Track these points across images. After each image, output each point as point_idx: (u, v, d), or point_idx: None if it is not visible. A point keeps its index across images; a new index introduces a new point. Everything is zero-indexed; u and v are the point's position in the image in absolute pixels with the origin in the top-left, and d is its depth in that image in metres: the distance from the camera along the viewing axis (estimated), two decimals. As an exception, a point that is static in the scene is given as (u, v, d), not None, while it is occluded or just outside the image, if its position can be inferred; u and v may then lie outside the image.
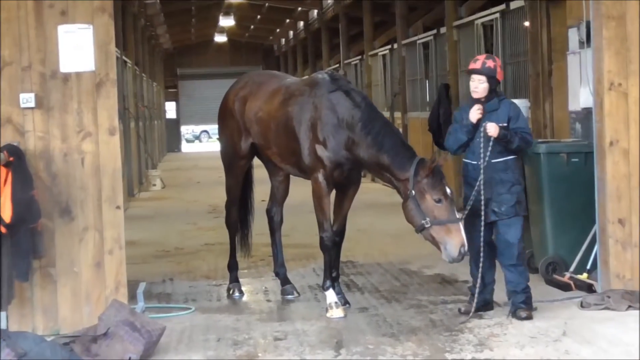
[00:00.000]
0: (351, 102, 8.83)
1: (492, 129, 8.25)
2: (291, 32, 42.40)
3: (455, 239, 8.23)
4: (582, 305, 8.61)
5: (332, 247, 9.05)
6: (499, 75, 8.42)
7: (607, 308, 8.41)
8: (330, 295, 8.90)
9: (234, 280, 10.12)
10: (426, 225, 8.32)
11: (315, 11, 34.29)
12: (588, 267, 9.35)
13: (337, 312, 8.74)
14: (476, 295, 8.43)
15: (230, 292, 9.98)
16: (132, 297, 8.63)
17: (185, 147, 53.44)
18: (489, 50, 15.00)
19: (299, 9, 35.79)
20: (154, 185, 24.30)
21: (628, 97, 8.87)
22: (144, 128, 27.17)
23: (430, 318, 8.59)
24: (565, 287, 9.33)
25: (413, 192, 8.40)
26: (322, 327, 8.49)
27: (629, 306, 8.46)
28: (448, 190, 8.36)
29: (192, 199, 21.18)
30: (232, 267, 10.23)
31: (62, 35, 8.26)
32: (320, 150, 8.86)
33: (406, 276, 10.78)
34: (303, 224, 15.68)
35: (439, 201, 8.33)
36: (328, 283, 8.97)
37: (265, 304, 9.64)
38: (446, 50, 17.06)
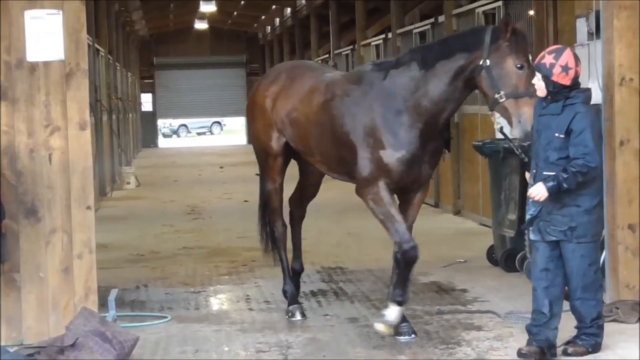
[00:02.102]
0: (404, 69, 8.29)
1: (538, 194, 7.34)
2: (277, 20, 42.43)
3: (531, 111, 7.73)
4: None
5: (416, 257, 8.27)
6: (557, 78, 7.39)
7: (615, 320, 8.41)
8: (394, 313, 8.23)
9: (294, 301, 9.38)
10: (500, 100, 7.85)
11: (304, -4, 34.30)
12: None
13: (386, 329, 8.20)
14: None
15: (289, 315, 9.22)
16: (103, 304, 8.61)
17: (162, 142, 53.41)
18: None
19: (286, -6, 35.82)
20: (128, 183, 24.27)
21: (640, 93, 8.90)
22: (118, 122, 27.15)
23: (425, 329, 8.58)
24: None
25: (487, 61, 7.90)
26: (308, 338, 8.48)
27: (640, 318, 8.49)
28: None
29: (169, 199, 21.16)
30: (289, 289, 9.46)
31: (29, 22, 8.22)
32: (387, 156, 8.23)
33: (399, 284, 10.77)
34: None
35: (520, 67, 7.83)
36: (400, 298, 8.25)
37: (247, 313, 9.63)
38: (445, 41, 17.05)
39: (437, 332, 8.49)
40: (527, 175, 7.75)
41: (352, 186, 9.44)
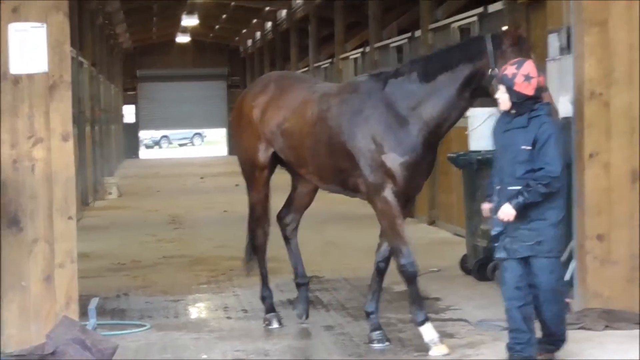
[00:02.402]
0: (404, 79, 8.22)
1: (507, 215, 7.24)
2: (258, 33, 42.43)
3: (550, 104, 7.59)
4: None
5: (415, 274, 8.22)
6: (520, 87, 7.29)
7: (582, 328, 8.46)
8: (429, 331, 8.11)
9: (271, 309, 9.39)
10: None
11: (284, 11, 34.34)
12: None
13: (442, 349, 7.98)
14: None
15: (267, 323, 9.25)
16: (84, 313, 8.59)
17: (144, 153, 53.35)
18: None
19: (267, 8, 35.84)
20: (110, 193, 24.23)
21: (610, 107, 8.95)
22: (100, 133, 27.10)
23: (399, 337, 8.61)
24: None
25: (496, 69, 7.75)
26: (285, 346, 8.50)
27: (606, 326, 8.53)
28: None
29: (151, 209, 21.15)
30: (267, 296, 9.44)
31: (13, 34, 8.21)
32: (390, 160, 8.13)
33: (375, 293, 10.80)
34: (238, 237, 15.61)
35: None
36: (422, 316, 8.15)
37: (225, 322, 9.63)
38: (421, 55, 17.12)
39: (410, 340, 8.51)
40: (486, 205, 7.61)
41: (333, 197, 9.48)
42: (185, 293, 11.14)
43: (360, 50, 22.95)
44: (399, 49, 19.27)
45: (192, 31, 42.97)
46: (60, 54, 8.30)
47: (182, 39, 45.32)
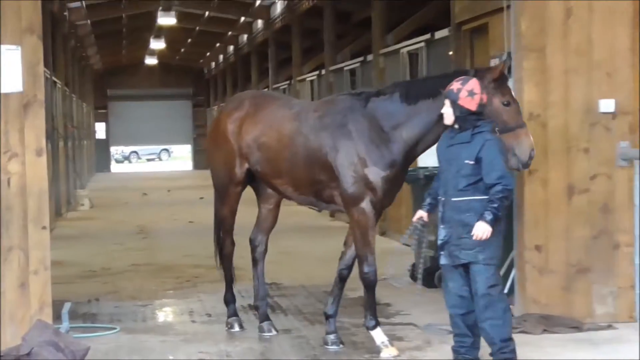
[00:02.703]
0: (385, 99, 8.15)
1: (484, 233, 7.17)
2: (221, 56, 42.40)
3: (525, 143, 7.67)
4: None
5: (375, 282, 8.22)
6: (463, 102, 7.32)
7: (523, 331, 8.51)
8: (380, 335, 8.16)
9: (233, 314, 9.34)
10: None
11: (245, 36, 34.36)
12: (506, 291, 9.45)
13: (392, 351, 8.01)
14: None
15: (229, 327, 9.23)
16: (57, 317, 8.53)
17: (114, 167, 53.07)
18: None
19: (230, 33, 35.84)
20: (82, 205, 24.07)
21: (547, 127, 9.03)
22: (73, 148, 26.92)
23: (352, 340, 8.61)
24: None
25: None
26: (245, 348, 8.47)
27: (544, 330, 8.59)
28: (514, 94, 7.80)
29: (120, 219, 21.02)
30: (230, 301, 9.36)
31: (-10, 56, 8.14)
32: (372, 173, 8.05)
33: (330, 299, 10.79)
34: (202, 246, 15.57)
35: (507, 104, 7.68)
36: (374, 322, 8.20)
37: (190, 325, 9.58)
38: (373, 77, 17.19)
39: (362, 343, 8.51)
40: (419, 214, 7.68)
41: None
42: (153, 298, 11.08)
43: (316, 72, 22.98)
44: (352, 72, 19.31)
45: (159, 54, 42.84)
46: (34, 75, 8.23)
47: (150, 61, 45.15)
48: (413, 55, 15.32)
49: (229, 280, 9.44)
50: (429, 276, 11.08)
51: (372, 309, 8.22)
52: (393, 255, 13.95)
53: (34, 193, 8.21)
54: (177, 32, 35.76)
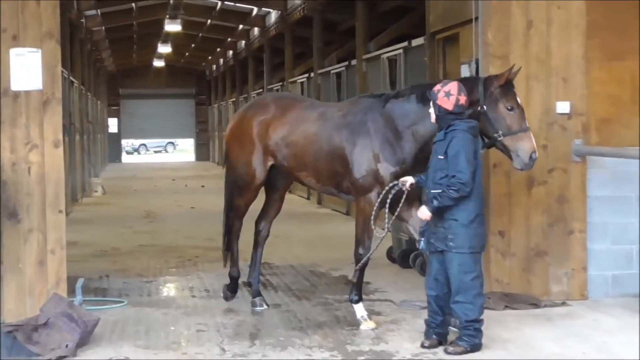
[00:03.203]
0: (403, 100, 7.98)
1: (423, 215, 7.26)
2: (221, 60, 42.29)
3: (527, 145, 7.52)
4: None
5: (366, 263, 8.16)
6: (441, 102, 7.23)
7: (487, 307, 8.49)
8: (360, 309, 8.17)
9: (235, 288, 9.35)
10: (498, 138, 7.59)
11: (243, 42, 34.27)
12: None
13: (370, 324, 8.03)
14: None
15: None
16: (72, 291, 8.50)
17: (125, 158, 52.94)
18: (393, 82, 15.14)
19: (229, 39, 35.74)
20: (96, 191, 23.99)
21: (510, 126, 9.01)
22: (88, 141, 26.82)
23: (335, 314, 8.61)
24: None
25: (484, 107, 7.58)
26: (240, 320, 8.46)
27: (506, 306, 8.60)
28: (519, 100, 7.67)
29: (130, 205, 20.96)
30: (235, 275, 9.34)
31: (14, 57, 8.12)
32: (383, 169, 7.93)
33: (315, 277, 10.81)
34: (202, 229, 15.60)
35: (511, 109, 7.55)
36: (357, 297, 8.19)
37: (190, 300, 9.57)
38: (356, 80, 17.17)
39: (344, 317, 8.51)
40: (407, 179, 7.64)
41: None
42: (157, 275, 11.06)
43: (306, 75, 22.92)
44: (338, 75, 19.28)
45: (166, 57, 42.70)
46: (53, 75, 8.21)
47: (158, 63, 45.01)
48: (392, 61, 15.30)
49: (236, 256, 9.34)
50: (405, 257, 11.11)
51: (358, 286, 8.21)
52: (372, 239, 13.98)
53: (51, 180, 8.20)
54: (182, 38, 35.66)
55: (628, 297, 9.05)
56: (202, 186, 26.75)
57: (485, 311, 8.05)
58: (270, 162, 8.82)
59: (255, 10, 28.69)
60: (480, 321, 7.20)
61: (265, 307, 8.95)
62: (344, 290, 9.86)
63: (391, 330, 7.98)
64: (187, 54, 43.31)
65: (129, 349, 7.44)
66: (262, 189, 9.24)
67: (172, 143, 64.04)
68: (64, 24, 15.35)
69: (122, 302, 9.26)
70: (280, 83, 26.95)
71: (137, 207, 20.33)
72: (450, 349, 7.17)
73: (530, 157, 7.54)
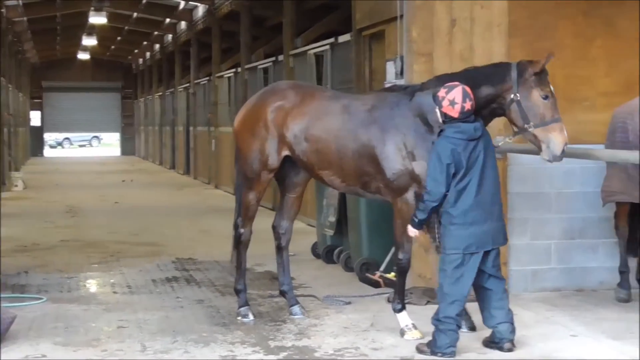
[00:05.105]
0: (429, 93, 7.41)
1: (411, 232, 7.24)
2: (148, 53, 41.91)
3: (560, 137, 7.13)
4: (389, 300, 8.75)
5: (407, 268, 7.68)
6: (446, 110, 7.01)
7: (410, 303, 8.58)
8: (404, 318, 7.63)
9: (244, 303, 8.37)
10: (529, 129, 7.20)
11: (170, 35, 34.01)
12: (395, 267, 9.53)
13: (415, 334, 7.50)
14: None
15: (242, 317, 8.25)
16: (-11, 288, 8.37)
17: (48, 152, 52.12)
18: (320, 77, 15.19)
19: (156, 33, 35.44)
20: (16, 186, 23.60)
21: (433, 122, 9.11)
22: (9, 134, 26.36)
23: (258, 310, 8.59)
24: (375, 284, 9.48)
25: (518, 95, 7.19)
26: (162, 316, 8.40)
27: (428, 301, 8.69)
28: (552, 89, 7.31)
29: (51, 200, 20.67)
30: (242, 289, 8.44)
31: None
32: (419, 167, 7.39)
33: (240, 273, 10.78)
34: (152, 225, 15.58)
35: (545, 97, 7.15)
36: (400, 305, 7.65)
37: (111, 296, 9.47)
38: (283, 76, 17.18)
39: (268, 312, 8.51)
40: None
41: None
42: (78, 271, 10.92)
43: (233, 70, 22.87)
44: (265, 70, 19.27)
45: (91, 50, 42.12)
46: (-28, 65, 8.06)
47: (83, 56, 44.38)
48: (319, 57, 15.35)
49: (243, 268, 8.53)
50: (329, 253, 11.17)
51: (400, 293, 7.68)
52: (298, 235, 14.02)
53: (-32, 174, 8.04)
54: (107, 30, 35.24)
55: (546, 291, 9.24)
56: (123, 181, 26.50)
57: (409, 306, 8.17)
58: (285, 153, 8.09)
59: (183, 4, 28.50)
60: (446, 321, 6.99)
61: (301, 315, 8.29)
62: (268, 285, 9.88)
63: (314, 325, 7.99)
64: (113, 47, 42.82)
65: (47, 346, 7.32)
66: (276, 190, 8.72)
67: (97, 137, 63.31)
68: (-17, 14, 15.03)
69: (42, 298, 9.11)
70: (208, 78, 26.84)
71: (59, 202, 20.06)
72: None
73: (563, 149, 7.19)
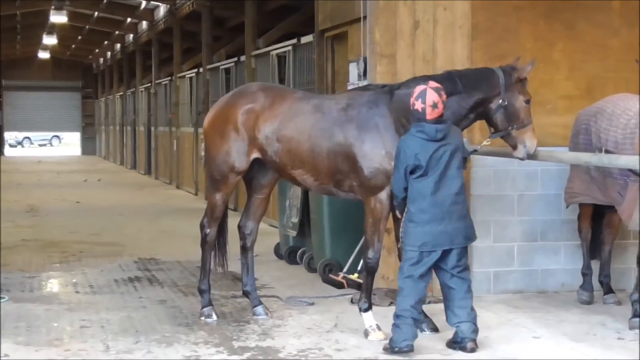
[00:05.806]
0: (409, 93, 7.25)
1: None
2: (109, 53, 41.58)
3: (534, 137, 7.42)
4: (352, 301, 8.76)
5: (375, 268, 7.65)
6: (432, 115, 6.98)
7: (372, 304, 8.55)
8: (369, 318, 7.61)
9: (208, 303, 8.27)
10: (512, 132, 7.39)
11: (131, 35, 33.75)
12: (359, 268, 9.51)
13: (379, 335, 7.46)
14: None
15: (205, 317, 8.16)
16: (-52, 288, 8.21)
17: (8, 151, 51.55)
18: (282, 78, 15.13)
19: (117, 32, 35.16)
20: (-25, 185, 23.25)
21: (396, 124, 9.09)
22: (-32, 133, 25.99)
23: (221, 310, 8.53)
24: (338, 285, 9.46)
25: (505, 100, 7.36)
26: (124, 317, 8.31)
27: (391, 302, 8.66)
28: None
29: (12, 199, 20.35)
30: (205, 290, 8.28)
31: None
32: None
33: (202, 273, 10.69)
34: (113, 224, 15.44)
35: (527, 102, 7.40)
36: (367, 304, 7.62)
37: (74, 296, 9.36)
38: (245, 76, 17.10)
39: (230, 313, 8.46)
40: None
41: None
42: (40, 271, 10.78)
43: (195, 70, 22.73)
44: (227, 71, 19.18)
45: (52, 49, 41.73)
46: None
47: (43, 55, 43.96)
48: (281, 58, 15.30)
49: (208, 269, 8.37)
50: (292, 254, 11.12)
51: (367, 292, 7.64)
52: (260, 236, 13.94)
53: None
54: (68, 29, 34.91)
55: (508, 293, 9.27)
56: (85, 180, 26.25)
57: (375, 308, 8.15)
58: (254, 155, 8.01)
59: (144, 3, 28.30)
60: (401, 316, 7.02)
61: (267, 315, 8.24)
62: (230, 286, 9.82)
63: (277, 326, 7.95)
64: (73, 46, 42.41)
65: (8, 345, 7.20)
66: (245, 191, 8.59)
67: (57, 136, 62.76)
68: (-56, 12, 14.80)
69: (3, 297, 8.97)
70: (169, 78, 26.67)
71: (20, 201, 19.80)
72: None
73: (535, 148, 7.48)
